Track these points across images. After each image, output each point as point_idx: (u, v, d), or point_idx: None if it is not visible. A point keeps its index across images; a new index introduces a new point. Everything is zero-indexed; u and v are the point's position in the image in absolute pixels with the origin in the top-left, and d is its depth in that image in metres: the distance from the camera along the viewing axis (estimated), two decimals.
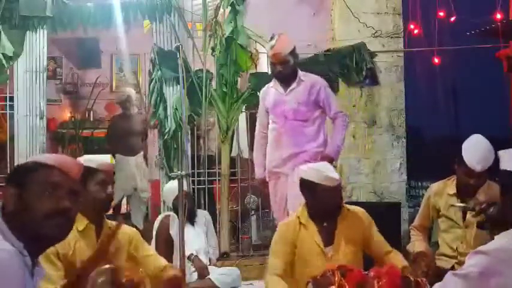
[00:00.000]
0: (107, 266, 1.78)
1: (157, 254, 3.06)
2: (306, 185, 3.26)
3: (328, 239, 3.23)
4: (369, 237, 3.30)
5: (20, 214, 1.67)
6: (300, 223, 3.27)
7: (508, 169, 1.89)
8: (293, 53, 4.28)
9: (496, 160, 3.30)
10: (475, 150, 3.31)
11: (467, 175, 3.35)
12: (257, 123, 4.63)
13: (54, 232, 1.71)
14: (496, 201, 2.53)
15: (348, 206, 3.44)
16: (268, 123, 4.47)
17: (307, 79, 4.33)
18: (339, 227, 3.25)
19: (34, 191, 1.69)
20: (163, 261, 3.01)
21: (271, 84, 4.48)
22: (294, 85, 4.29)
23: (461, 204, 3.24)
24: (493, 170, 3.23)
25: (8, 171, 5.34)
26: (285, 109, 4.29)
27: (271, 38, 4.29)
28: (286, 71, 4.25)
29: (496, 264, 1.65)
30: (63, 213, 1.71)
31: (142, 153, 6.72)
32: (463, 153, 3.32)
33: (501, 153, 1.99)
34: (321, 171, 3.20)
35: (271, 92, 4.43)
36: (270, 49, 4.25)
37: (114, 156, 3.38)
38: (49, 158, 1.79)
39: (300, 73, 4.34)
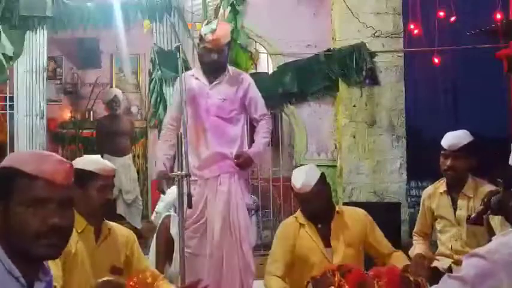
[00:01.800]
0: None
1: (149, 265, 3.05)
2: (291, 188, 3.35)
3: (326, 242, 3.25)
4: (370, 239, 3.32)
5: (7, 233, 1.48)
6: (299, 223, 3.30)
7: None
8: (229, 43, 3.89)
9: (477, 155, 3.47)
10: (448, 132, 3.57)
11: (444, 157, 3.52)
12: (167, 116, 4.03)
13: (45, 252, 1.51)
14: (497, 190, 2.61)
15: (345, 208, 3.47)
16: (180, 117, 3.76)
17: (234, 74, 3.88)
18: (332, 230, 3.26)
19: (18, 207, 1.47)
20: (155, 271, 2.97)
21: (191, 72, 3.93)
22: (220, 78, 3.81)
23: (474, 215, 3.25)
24: (476, 168, 3.52)
25: None
26: (208, 103, 3.78)
27: (208, 22, 3.80)
28: (221, 60, 3.77)
29: (492, 266, 1.67)
30: (53, 231, 1.49)
31: (130, 154, 6.72)
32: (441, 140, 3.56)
33: None
34: (293, 176, 3.28)
35: (192, 82, 3.84)
36: (210, 33, 3.68)
37: (102, 156, 3.36)
38: (29, 165, 1.50)
39: (228, 66, 3.89)
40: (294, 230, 3.28)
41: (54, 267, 2.56)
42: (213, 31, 3.68)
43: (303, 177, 3.21)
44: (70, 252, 2.66)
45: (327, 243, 3.24)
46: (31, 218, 1.47)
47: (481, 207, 2.93)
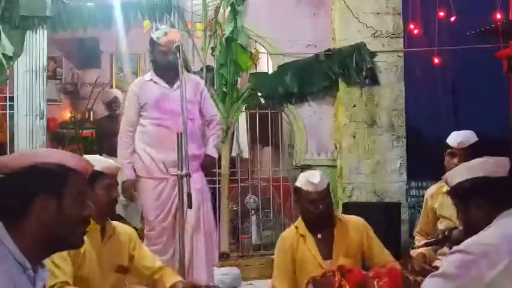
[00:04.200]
0: None
1: (154, 260, 3.07)
2: (295, 192, 3.30)
3: (326, 252, 3.22)
4: (369, 248, 3.29)
5: (56, 224, 1.60)
6: (299, 234, 3.26)
7: (459, 180, 1.93)
8: (181, 47, 3.84)
9: (482, 155, 3.49)
10: (455, 131, 3.58)
11: (451, 155, 3.51)
12: (124, 122, 4.14)
13: (81, 239, 1.69)
14: (455, 227, 2.59)
15: (344, 216, 3.44)
16: (137, 122, 4.04)
17: (191, 78, 4.09)
18: (335, 239, 3.23)
19: (70, 200, 1.62)
20: (158, 262, 3.06)
21: (148, 77, 4.05)
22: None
23: (421, 243, 3.25)
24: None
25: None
26: (174, 105, 3.79)
27: (157, 29, 4.04)
28: (175, 61, 3.72)
29: (471, 257, 1.70)
30: (87, 220, 1.70)
31: None
32: (447, 139, 3.56)
33: (447, 175, 2.02)
34: (305, 176, 3.24)
35: (151, 86, 3.97)
36: (163, 35, 3.89)
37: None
38: (76, 162, 1.67)
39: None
40: (292, 243, 3.25)
41: (64, 264, 2.60)
42: (165, 34, 3.91)
43: (318, 178, 3.19)
44: (79, 252, 2.70)
45: (326, 255, 3.21)
46: (78, 208, 1.64)
47: (433, 239, 2.91)
